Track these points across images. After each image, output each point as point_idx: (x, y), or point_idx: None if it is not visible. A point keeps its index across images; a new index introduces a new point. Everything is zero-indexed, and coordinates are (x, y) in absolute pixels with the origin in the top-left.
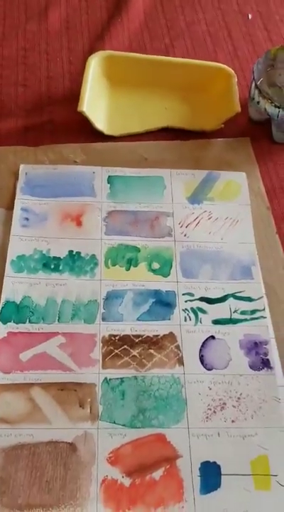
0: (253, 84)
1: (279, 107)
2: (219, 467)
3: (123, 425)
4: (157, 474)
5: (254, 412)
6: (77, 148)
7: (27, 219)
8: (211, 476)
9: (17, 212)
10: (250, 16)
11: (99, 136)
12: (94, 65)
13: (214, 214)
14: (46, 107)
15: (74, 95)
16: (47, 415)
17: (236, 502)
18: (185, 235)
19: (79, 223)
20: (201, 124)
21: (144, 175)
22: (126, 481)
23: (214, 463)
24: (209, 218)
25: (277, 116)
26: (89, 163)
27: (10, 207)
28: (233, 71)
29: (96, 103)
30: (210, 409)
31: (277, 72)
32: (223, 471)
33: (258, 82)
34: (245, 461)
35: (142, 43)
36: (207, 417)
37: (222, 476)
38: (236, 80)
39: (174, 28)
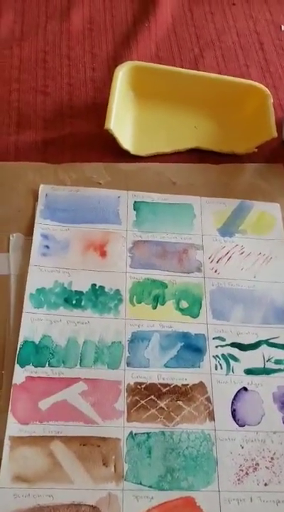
0: None
1: None
2: None
3: (150, 486)
4: None
5: None
6: (101, 168)
7: (47, 247)
8: None
9: (37, 238)
10: (283, 28)
11: (124, 154)
12: (122, 76)
13: (246, 248)
14: (67, 118)
15: (97, 106)
16: (68, 473)
17: None
18: (216, 271)
19: (103, 253)
20: (232, 146)
21: (172, 202)
22: None
23: None
24: (241, 253)
25: None
26: (113, 185)
27: (28, 232)
28: (268, 91)
29: (122, 119)
30: (242, 471)
31: None
32: None
33: None
34: None
35: (170, 51)
36: (239, 479)
37: None
38: (272, 100)
39: (203, 36)
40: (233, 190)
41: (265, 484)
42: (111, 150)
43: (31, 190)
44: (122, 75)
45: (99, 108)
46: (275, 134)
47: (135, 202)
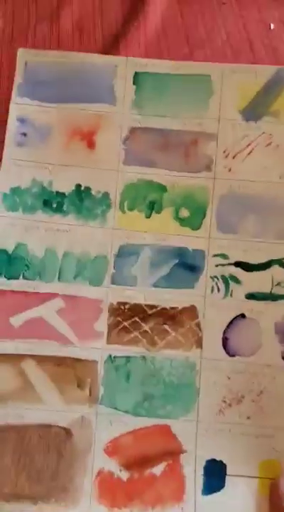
0: None
1: None
2: (225, 466)
3: (126, 412)
4: (158, 469)
5: (276, 411)
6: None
7: (24, 134)
8: (215, 475)
9: (12, 123)
10: (272, 26)
11: None
12: None
13: (275, 138)
14: None
15: None
16: (40, 394)
17: (239, 506)
18: (230, 170)
19: (91, 144)
20: None
21: (184, 72)
22: (124, 475)
23: (221, 462)
24: (268, 144)
25: None
26: None
27: None
28: None
29: None
30: (225, 402)
31: None
32: (229, 472)
33: None
34: (254, 462)
35: (159, 51)
36: (220, 411)
37: (227, 477)
38: None
39: (193, 36)
40: None
41: (248, 417)
42: None
43: None
44: None
45: None
46: None
47: (136, 73)
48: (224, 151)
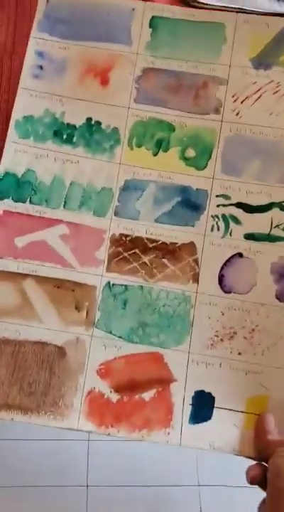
0: None
1: None
2: (213, 399)
3: (120, 337)
4: (148, 395)
5: (266, 349)
6: None
7: (41, 67)
8: (203, 406)
9: (30, 56)
10: None
11: None
12: None
13: (283, 87)
14: None
15: None
16: (38, 312)
17: (224, 438)
18: (238, 114)
19: (104, 81)
20: None
21: (200, 19)
22: (114, 397)
23: (209, 394)
24: (276, 92)
25: None
26: None
27: None
28: None
29: None
30: (217, 337)
31: None
32: (216, 404)
33: None
34: (241, 397)
35: None
36: (212, 344)
37: (214, 409)
38: None
39: None
40: None
41: (239, 353)
42: None
43: None
44: None
45: None
46: None
47: (152, 17)
48: (233, 96)
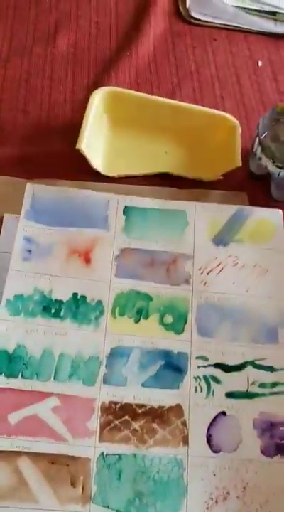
0: (257, 140)
1: (280, 167)
2: None
3: (117, 511)
4: None
5: (260, 507)
6: (72, 186)
7: (29, 251)
8: None
9: (19, 242)
10: (260, 63)
11: (96, 175)
12: (97, 101)
13: (241, 259)
14: (44, 137)
15: (73, 127)
16: (34, 492)
17: None
18: (205, 284)
19: (87, 260)
20: (199, 172)
21: (165, 208)
22: None
23: None
24: (235, 264)
25: (278, 175)
26: None
27: None
28: (237, 122)
29: (95, 141)
30: (212, 499)
31: (281, 127)
32: None
33: (262, 136)
34: None
35: (149, 80)
36: (208, 508)
37: None
38: (240, 131)
39: (183, 67)
40: None
41: None
42: (83, 169)
43: (2, 202)
44: (98, 99)
45: (75, 129)
46: (239, 164)
47: (125, 207)
48: (199, 269)
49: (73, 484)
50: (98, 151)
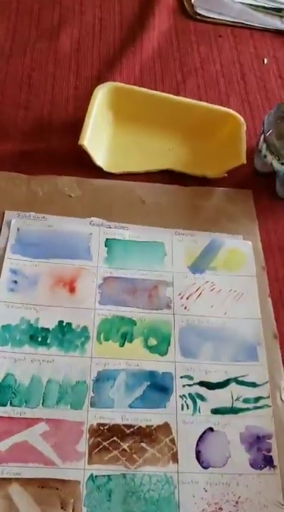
0: (262, 137)
1: None
2: None
3: None
4: None
5: None
6: (74, 182)
7: (15, 282)
8: None
9: (5, 274)
10: (265, 61)
11: (98, 171)
12: (101, 96)
13: (217, 285)
14: (46, 133)
15: (76, 123)
16: None
17: None
18: (185, 308)
19: (72, 289)
20: (203, 169)
21: (144, 240)
22: None
23: None
24: (212, 290)
25: (283, 173)
26: (84, 199)
27: None
28: (242, 119)
29: (98, 137)
30: None
31: None
32: None
33: (267, 134)
34: None
35: (153, 76)
36: None
37: None
38: (245, 128)
39: (187, 64)
40: (200, 212)
41: None
42: (85, 166)
43: (1, 198)
44: (101, 94)
45: (78, 125)
46: (244, 161)
47: (106, 239)
48: (179, 294)
49: (63, 507)
50: (100, 147)
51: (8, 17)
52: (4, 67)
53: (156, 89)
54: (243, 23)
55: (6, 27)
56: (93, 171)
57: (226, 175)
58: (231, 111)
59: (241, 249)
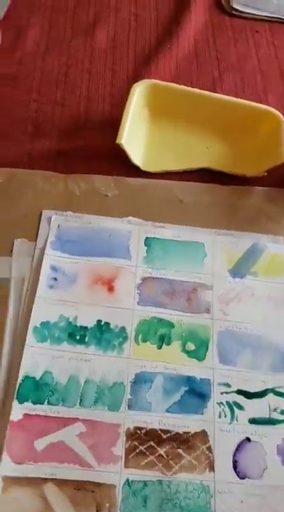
0: None
1: None
2: None
3: None
4: None
5: None
6: (110, 181)
7: (55, 279)
8: None
9: (45, 270)
10: None
11: (134, 170)
12: (138, 93)
13: (256, 292)
14: (82, 131)
15: (112, 121)
16: None
17: None
18: (224, 313)
19: (110, 288)
20: (242, 168)
21: (184, 239)
22: None
23: None
24: (252, 296)
25: None
26: (120, 198)
27: (32, 238)
28: (282, 116)
29: (135, 135)
30: None
31: None
32: None
33: None
34: None
35: (189, 73)
36: None
37: None
38: None
39: (224, 60)
40: (239, 211)
41: None
42: (122, 164)
43: (39, 197)
44: (138, 91)
45: (114, 123)
46: None
47: (146, 238)
48: (219, 298)
49: (99, 511)
50: (137, 146)
51: (43, 14)
52: (40, 64)
53: (192, 86)
54: (281, 18)
55: (41, 24)
56: (130, 170)
57: (265, 174)
58: (270, 108)
59: (283, 254)
